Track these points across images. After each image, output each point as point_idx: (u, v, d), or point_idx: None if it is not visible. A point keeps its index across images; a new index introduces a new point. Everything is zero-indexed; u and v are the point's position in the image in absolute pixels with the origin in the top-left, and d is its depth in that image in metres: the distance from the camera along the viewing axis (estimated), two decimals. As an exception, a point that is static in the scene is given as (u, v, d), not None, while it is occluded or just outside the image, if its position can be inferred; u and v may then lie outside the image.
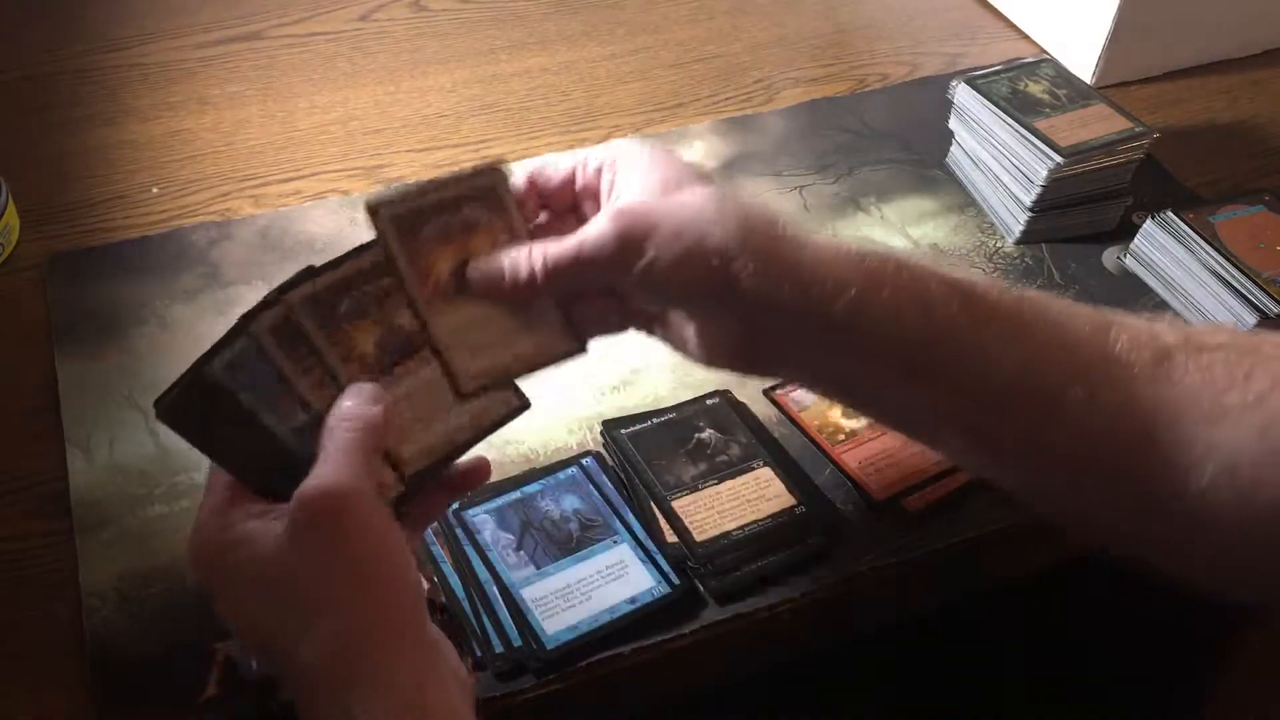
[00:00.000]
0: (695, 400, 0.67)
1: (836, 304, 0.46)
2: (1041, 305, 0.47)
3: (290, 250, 0.77)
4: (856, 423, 0.67)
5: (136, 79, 0.93)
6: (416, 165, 0.86)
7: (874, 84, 0.96)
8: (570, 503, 0.61)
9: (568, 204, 0.54)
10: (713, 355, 0.51)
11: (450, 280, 0.50)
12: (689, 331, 0.51)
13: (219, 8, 1.01)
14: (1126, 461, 0.44)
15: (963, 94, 0.84)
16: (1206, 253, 0.74)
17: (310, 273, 0.48)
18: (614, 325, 0.54)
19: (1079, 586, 0.95)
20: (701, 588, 0.59)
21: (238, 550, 0.44)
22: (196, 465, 0.63)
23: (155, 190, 0.82)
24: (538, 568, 0.58)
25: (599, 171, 0.52)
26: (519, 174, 0.53)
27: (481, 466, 0.53)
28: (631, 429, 0.65)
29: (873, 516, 0.63)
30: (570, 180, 0.53)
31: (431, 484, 0.51)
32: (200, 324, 0.72)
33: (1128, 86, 0.96)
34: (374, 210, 0.48)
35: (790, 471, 0.64)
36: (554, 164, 0.53)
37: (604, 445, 0.65)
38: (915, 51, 1.01)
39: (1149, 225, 0.77)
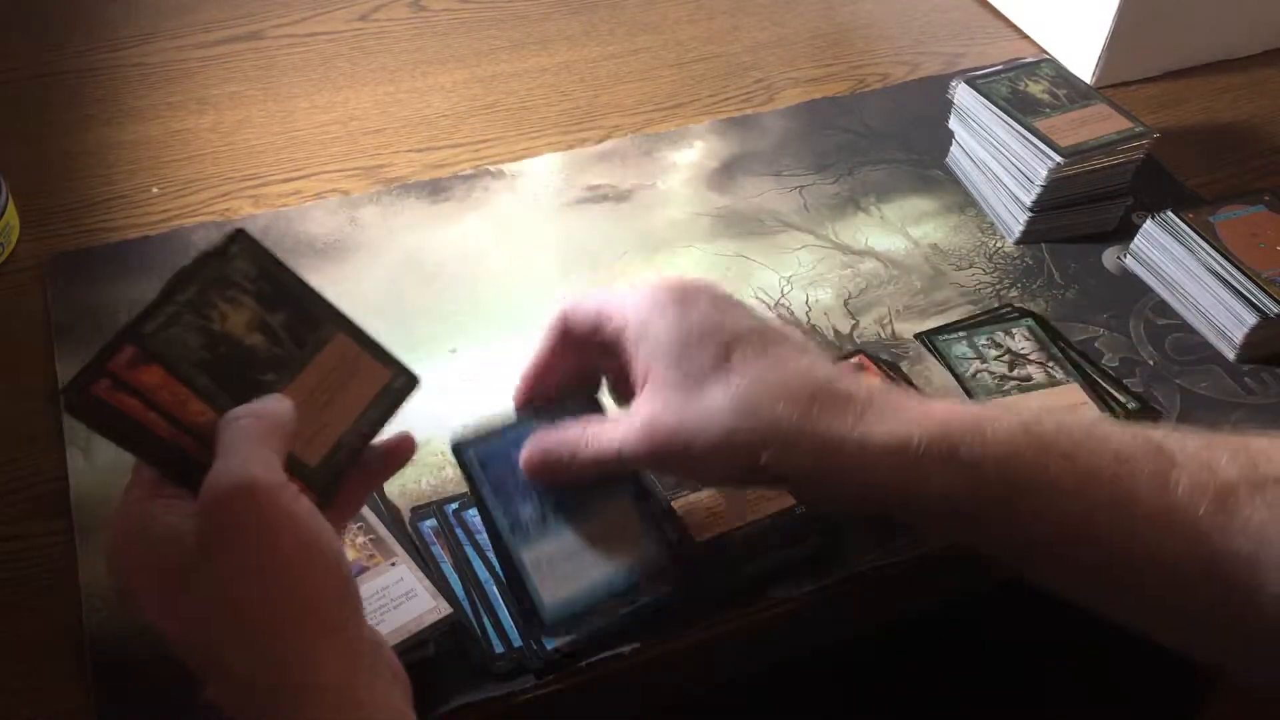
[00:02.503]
0: (695, 400, 0.67)
1: (878, 504, 0.49)
2: (1094, 462, 0.45)
3: (290, 250, 0.77)
4: (856, 423, 0.67)
5: (136, 79, 0.93)
6: (416, 165, 0.86)
7: (874, 84, 0.96)
8: None
9: (586, 345, 0.56)
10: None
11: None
12: None
13: (219, 8, 1.02)
14: (1203, 608, 0.44)
15: (963, 94, 0.84)
16: (1206, 253, 0.74)
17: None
18: None
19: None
20: (701, 588, 0.59)
21: (152, 553, 0.41)
22: (196, 465, 0.63)
23: (155, 190, 0.82)
24: (537, 521, 0.56)
25: (617, 335, 0.53)
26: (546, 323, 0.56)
27: (404, 444, 0.51)
28: (631, 429, 0.65)
29: (873, 516, 0.63)
30: (593, 329, 0.54)
31: (348, 471, 0.49)
32: (200, 324, 0.72)
33: (1128, 86, 0.96)
34: None
35: (790, 471, 0.63)
36: (580, 310, 0.55)
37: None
38: (915, 51, 1.01)
39: (1149, 225, 0.77)
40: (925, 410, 0.48)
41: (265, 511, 0.40)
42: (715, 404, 0.49)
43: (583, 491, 0.57)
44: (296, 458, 0.47)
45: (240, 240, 0.49)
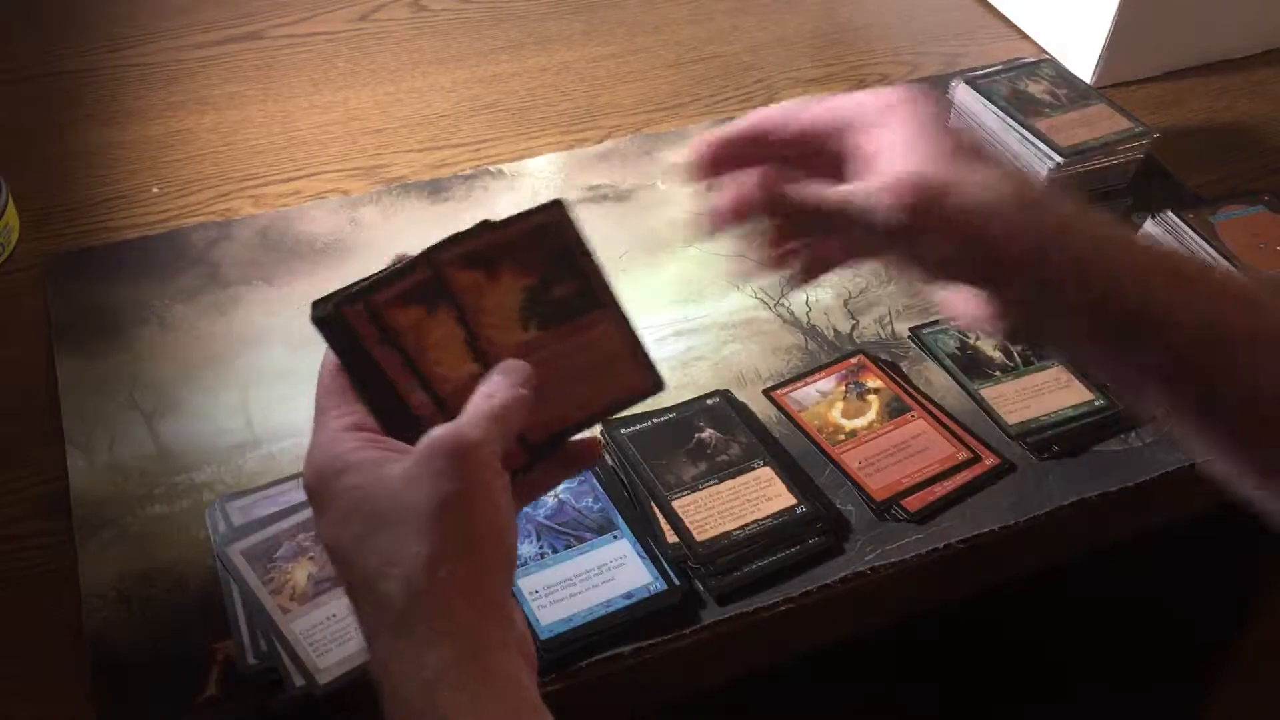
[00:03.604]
0: (695, 400, 0.67)
1: (1126, 300, 0.47)
2: (1226, 275, 0.50)
3: (290, 250, 0.77)
4: (856, 423, 0.67)
5: (136, 79, 0.93)
6: (416, 165, 0.86)
7: (874, 84, 0.96)
8: (570, 496, 0.61)
9: (795, 154, 0.52)
10: (944, 284, 0.51)
11: (514, 313, 0.49)
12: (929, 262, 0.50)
13: (219, 8, 1.02)
14: None
15: (963, 94, 0.84)
16: (1206, 253, 0.74)
17: (487, 226, 0.47)
18: (833, 264, 0.54)
19: (1079, 586, 0.95)
20: (701, 588, 0.59)
21: (352, 474, 0.44)
22: (196, 465, 0.63)
23: (155, 190, 0.82)
24: (536, 558, 0.58)
25: (845, 129, 0.51)
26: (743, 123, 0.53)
27: (593, 446, 0.52)
28: (631, 429, 0.65)
29: (873, 516, 0.63)
30: (809, 131, 0.52)
31: (548, 457, 0.50)
32: (200, 324, 0.72)
33: (1128, 86, 0.96)
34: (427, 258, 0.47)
35: (790, 471, 0.64)
36: (794, 114, 0.52)
37: (604, 445, 0.65)
38: (915, 51, 1.01)
39: (1149, 225, 0.77)
40: None
41: (475, 478, 0.43)
42: (982, 180, 0.47)
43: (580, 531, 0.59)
44: (524, 427, 0.48)
45: (557, 209, 0.49)
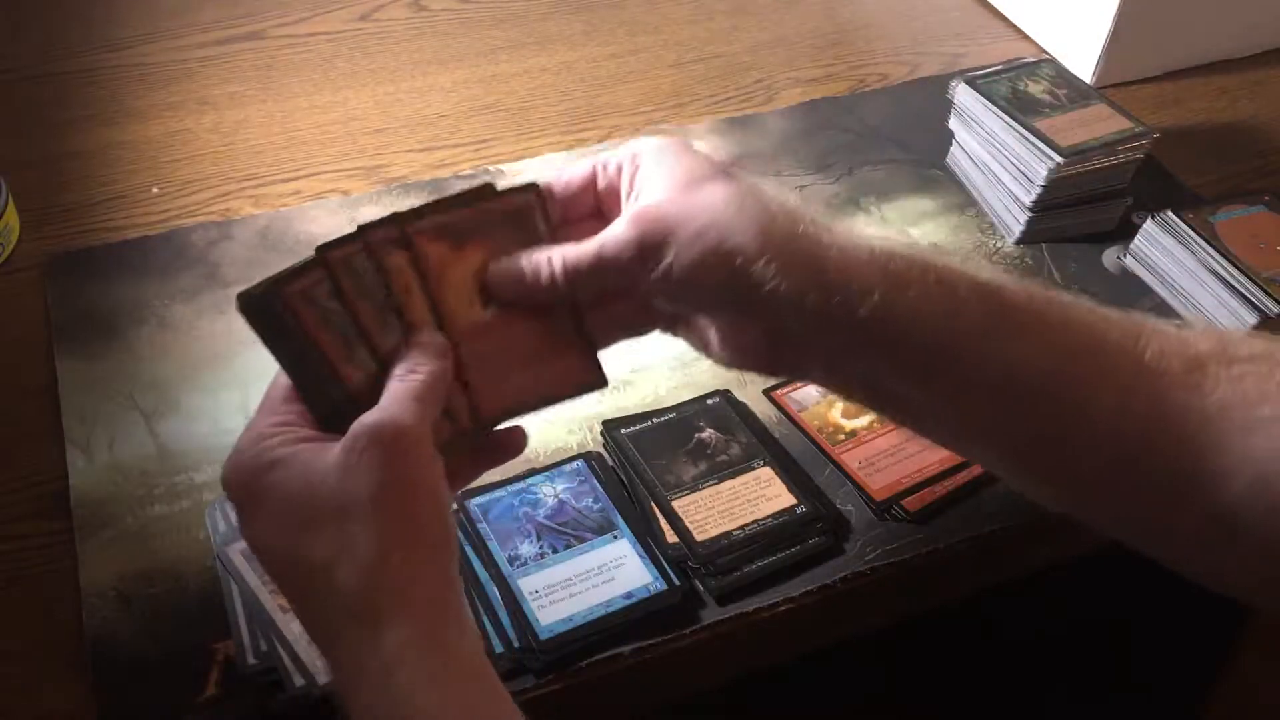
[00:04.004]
0: (695, 400, 0.67)
1: (861, 308, 0.45)
2: (1070, 309, 0.46)
3: (290, 250, 0.77)
4: (856, 423, 0.67)
5: (136, 79, 0.93)
6: (417, 165, 0.86)
7: (874, 84, 0.96)
8: (570, 496, 0.61)
9: (589, 209, 0.53)
10: (735, 357, 0.51)
11: (474, 291, 0.50)
12: (711, 333, 0.51)
13: (219, 8, 1.01)
14: (1156, 468, 0.44)
15: (963, 94, 0.84)
16: (1206, 253, 0.74)
17: (398, 217, 0.48)
18: (636, 328, 0.54)
19: (1079, 586, 0.95)
20: (701, 588, 0.59)
21: (277, 470, 0.44)
22: (196, 465, 0.63)
23: (155, 190, 0.82)
24: (536, 558, 0.58)
25: (619, 170, 0.52)
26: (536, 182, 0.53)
27: (517, 436, 0.52)
28: (631, 429, 0.65)
29: (873, 516, 0.63)
30: (590, 183, 0.52)
31: (471, 444, 0.50)
32: (200, 324, 0.72)
33: (1128, 86, 0.96)
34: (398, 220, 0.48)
35: (790, 471, 0.64)
36: (572, 170, 0.53)
37: (604, 445, 0.65)
38: (915, 51, 1.01)
39: (1149, 225, 0.77)
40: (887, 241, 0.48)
41: (409, 454, 0.44)
42: (712, 198, 0.47)
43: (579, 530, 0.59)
44: (478, 399, 0.48)
45: (533, 193, 0.50)
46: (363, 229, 0.47)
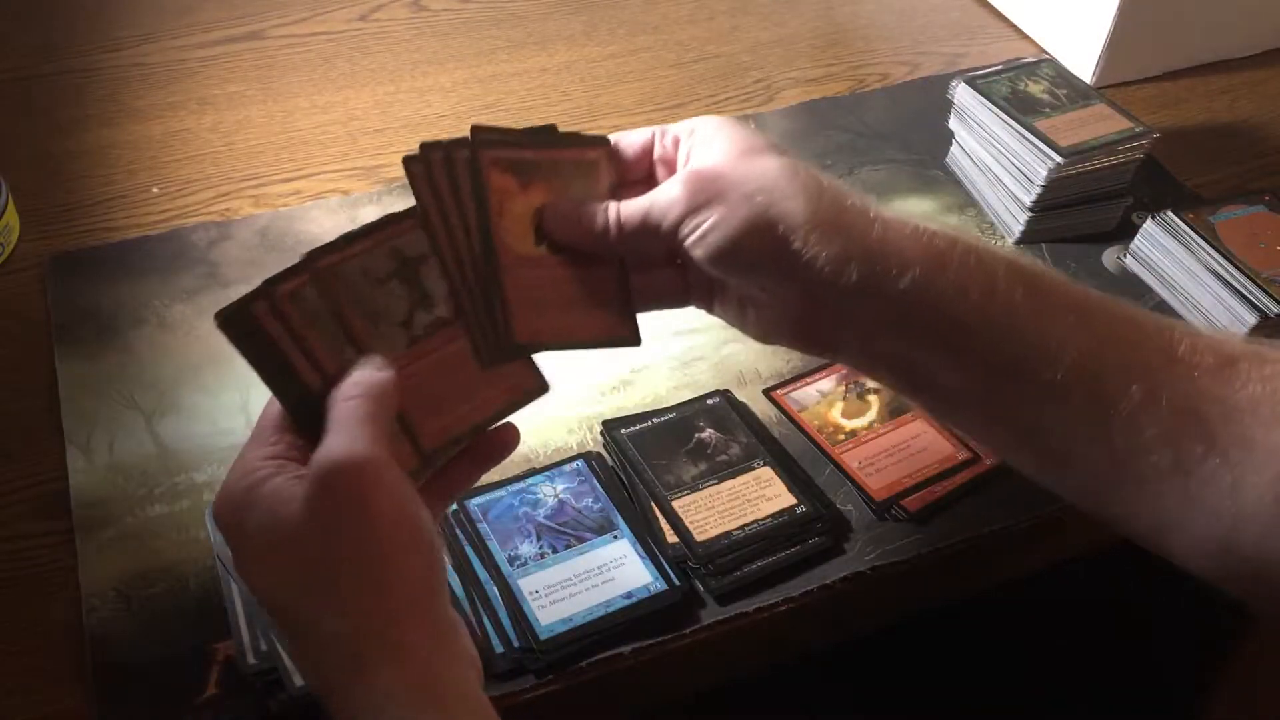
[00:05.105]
0: (695, 400, 0.67)
1: (900, 282, 0.46)
2: (1105, 299, 0.47)
3: (290, 250, 0.77)
4: (856, 423, 0.67)
5: (136, 79, 0.93)
6: (416, 165, 0.85)
7: (874, 84, 0.96)
8: (571, 496, 0.61)
9: (644, 175, 0.54)
10: (771, 330, 0.52)
11: (529, 227, 0.51)
12: (749, 305, 0.52)
13: (219, 8, 1.02)
14: (1183, 459, 0.43)
15: (963, 94, 0.84)
16: (1206, 253, 0.74)
17: (346, 239, 0.48)
18: (674, 297, 0.55)
19: (1079, 586, 0.95)
20: (701, 588, 0.59)
21: (258, 512, 0.43)
22: (196, 465, 0.63)
23: (155, 190, 0.82)
24: (536, 558, 0.58)
25: (676, 142, 0.53)
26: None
27: (509, 434, 0.52)
28: (631, 429, 0.65)
29: (873, 516, 0.63)
30: (648, 150, 0.54)
31: (453, 454, 0.50)
32: (200, 324, 0.72)
33: (1128, 86, 0.96)
34: (475, 139, 0.49)
35: (790, 471, 0.64)
36: (631, 135, 0.54)
37: (604, 445, 0.65)
38: (915, 51, 1.01)
39: (1149, 225, 0.77)
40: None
41: (370, 488, 0.42)
42: (766, 165, 0.48)
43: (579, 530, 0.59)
44: (417, 433, 0.48)
45: (605, 147, 0.52)
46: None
